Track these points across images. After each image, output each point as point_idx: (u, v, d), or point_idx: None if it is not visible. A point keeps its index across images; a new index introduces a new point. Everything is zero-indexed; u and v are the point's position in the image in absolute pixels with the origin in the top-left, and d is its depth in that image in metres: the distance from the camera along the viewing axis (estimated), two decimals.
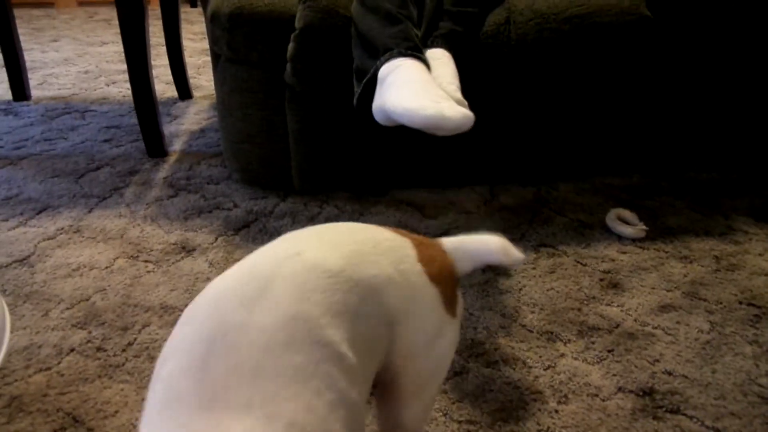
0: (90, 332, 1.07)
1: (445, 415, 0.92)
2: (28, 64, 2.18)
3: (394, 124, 1.12)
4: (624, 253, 1.33)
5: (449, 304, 0.64)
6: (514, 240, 1.36)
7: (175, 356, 0.47)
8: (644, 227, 1.37)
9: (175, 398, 0.44)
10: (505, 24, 1.34)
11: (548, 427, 0.90)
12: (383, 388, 0.65)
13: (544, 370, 1.01)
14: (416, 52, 1.16)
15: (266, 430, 0.42)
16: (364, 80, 1.20)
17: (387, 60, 1.15)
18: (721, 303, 1.17)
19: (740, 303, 1.17)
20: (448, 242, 0.70)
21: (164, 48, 2.15)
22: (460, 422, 0.91)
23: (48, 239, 1.34)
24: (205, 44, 2.90)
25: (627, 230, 1.37)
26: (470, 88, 1.22)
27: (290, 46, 1.32)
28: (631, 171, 1.67)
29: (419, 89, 1.07)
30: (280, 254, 0.55)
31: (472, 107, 1.12)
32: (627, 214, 1.41)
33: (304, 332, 0.48)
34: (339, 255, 0.56)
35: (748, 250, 1.35)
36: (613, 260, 1.30)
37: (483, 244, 0.71)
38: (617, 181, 1.63)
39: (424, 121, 1.02)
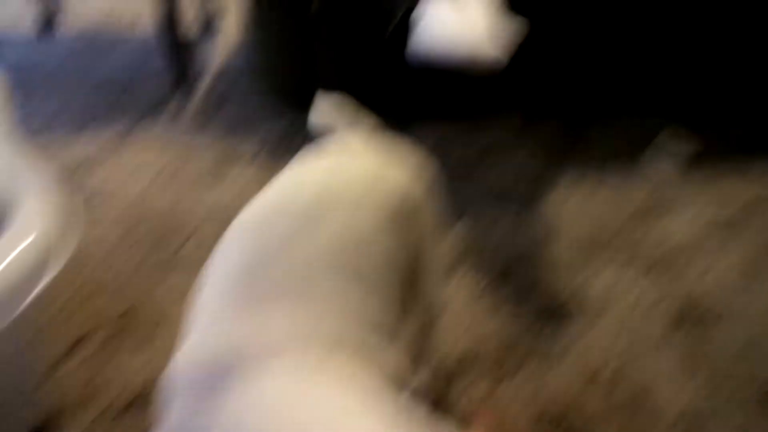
0: (150, 229, 1.15)
1: (471, 334, 0.94)
2: None
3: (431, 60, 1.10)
4: (663, 182, 1.26)
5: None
6: (549, 168, 1.30)
7: (225, 261, 0.51)
8: (696, 144, 1.31)
9: (227, 292, 0.48)
10: None
11: (582, 339, 0.91)
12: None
13: (580, 289, 1.00)
14: None
15: (309, 325, 0.44)
16: (398, 15, 1.16)
17: None
18: None
19: None
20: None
21: None
22: (491, 338, 0.92)
23: (89, 158, 1.37)
24: None
25: (678, 148, 1.31)
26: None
27: None
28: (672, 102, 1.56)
29: (453, 23, 1.05)
30: (322, 169, 0.59)
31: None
32: (679, 131, 1.34)
33: (353, 244, 0.50)
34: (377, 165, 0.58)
35: None
36: (651, 189, 1.23)
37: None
38: (670, 98, 1.53)
39: (459, 55, 1.01)
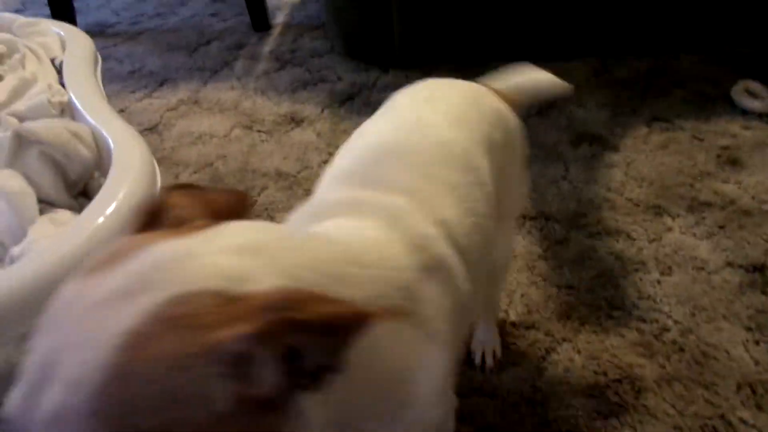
0: None
1: (545, 280, 0.96)
2: None
3: None
4: (748, 128, 1.24)
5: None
6: (625, 114, 1.30)
7: (350, 153, 0.56)
8: None
9: (347, 177, 0.53)
10: None
11: (648, 295, 0.92)
12: None
13: (649, 242, 1.00)
14: None
15: (419, 213, 0.48)
16: None
17: None
18: None
19: None
20: (501, 82, 0.75)
21: None
22: (559, 287, 0.95)
23: (171, 110, 1.45)
24: None
25: (755, 104, 1.27)
26: None
27: None
28: (764, 40, 1.50)
29: None
30: (423, 93, 0.64)
31: None
32: (756, 86, 1.30)
33: (460, 155, 0.55)
34: (457, 98, 0.63)
35: None
36: (734, 136, 1.22)
37: (530, 79, 0.81)
38: (748, 51, 1.48)
39: None
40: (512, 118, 0.67)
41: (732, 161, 1.16)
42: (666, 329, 0.87)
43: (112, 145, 0.75)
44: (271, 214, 1.13)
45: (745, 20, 1.45)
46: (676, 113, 1.29)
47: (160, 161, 1.28)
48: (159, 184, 0.74)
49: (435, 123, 0.57)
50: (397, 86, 1.46)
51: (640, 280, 0.94)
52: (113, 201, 0.65)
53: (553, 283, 0.95)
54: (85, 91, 0.88)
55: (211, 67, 1.61)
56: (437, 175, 0.52)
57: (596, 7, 1.40)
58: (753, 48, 1.48)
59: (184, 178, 1.24)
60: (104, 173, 0.74)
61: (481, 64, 1.50)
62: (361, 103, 1.41)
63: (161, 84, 1.55)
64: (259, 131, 1.35)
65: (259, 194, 1.18)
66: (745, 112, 1.28)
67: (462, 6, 1.41)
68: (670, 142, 1.22)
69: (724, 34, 1.47)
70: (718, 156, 1.17)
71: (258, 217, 1.13)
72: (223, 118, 1.41)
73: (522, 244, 1.02)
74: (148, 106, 1.47)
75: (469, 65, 1.50)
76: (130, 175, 0.68)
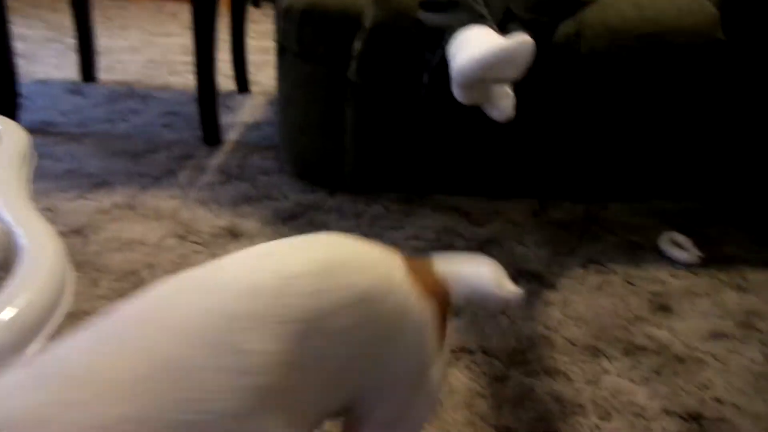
0: None
1: (483, 419, 0.90)
2: (98, 49, 2.27)
3: (474, 81, 1.17)
4: (676, 277, 1.28)
5: (438, 331, 0.57)
6: (562, 255, 1.33)
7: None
8: (699, 253, 1.33)
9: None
10: (576, 36, 1.33)
11: None
12: (350, 425, 0.58)
13: (587, 384, 0.98)
14: (479, 21, 1.20)
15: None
16: (433, 64, 1.25)
17: (453, 36, 1.19)
18: None
19: None
20: (442, 264, 0.63)
21: (226, 43, 2.20)
22: (497, 427, 0.89)
23: (103, 213, 1.39)
24: (264, 43, 2.96)
25: (681, 255, 1.33)
26: (533, 97, 1.21)
27: (357, 44, 1.33)
28: (688, 196, 1.63)
29: (483, 42, 1.13)
30: (242, 257, 0.51)
31: (533, 115, 1.12)
32: (681, 238, 1.37)
33: (220, 331, 0.43)
34: (306, 259, 0.50)
35: None
36: (663, 283, 1.26)
37: (476, 272, 0.63)
38: (672, 206, 1.59)
39: (494, 58, 1.08)
40: (410, 309, 0.54)
41: (663, 307, 1.18)
42: None
43: (23, 245, 0.68)
44: None
45: (669, 176, 1.58)
46: (609, 258, 1.33)
47: (80, 265, 1.20)
48: (69, 291, 0.67)
49: (223, 285, 0.47)
50: (342, 209, 1.48)
51: (579, 424, 0.90)
52: (7, 307, 0.58)
53: (491, 424, 0.89)
54: (8, 186, 0.82)
55: (154, 174, 1.58)
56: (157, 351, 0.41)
57: (535, 152, 1.49)
58: (676, 202, 1.59)
59: (105, 285, 1.15)
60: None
61: (425, 195, 1.55)
62: (304, 223, 1.40)
63: (97, 186, 1.50)
64: (194, 242, 1.30)
65: None
66: (672, 262, 1.34)
67: (411, 140, 1.47)
68: (604, 284, 1.24)
69: (651, 187, 1.59)
70: (650, 301, 1.20)
71: None
72: (157, 225, 1.35)
73: (460, 380, 0.97)
74: (78, 207, 1.40)
75: (413, 195, 1.54)
76: (34, 281, 0.62)
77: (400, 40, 1.31)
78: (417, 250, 1.32)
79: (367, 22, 1.31)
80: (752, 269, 1.33)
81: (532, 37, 1.14)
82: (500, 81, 1.18)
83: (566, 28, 1.34)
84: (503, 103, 1.21)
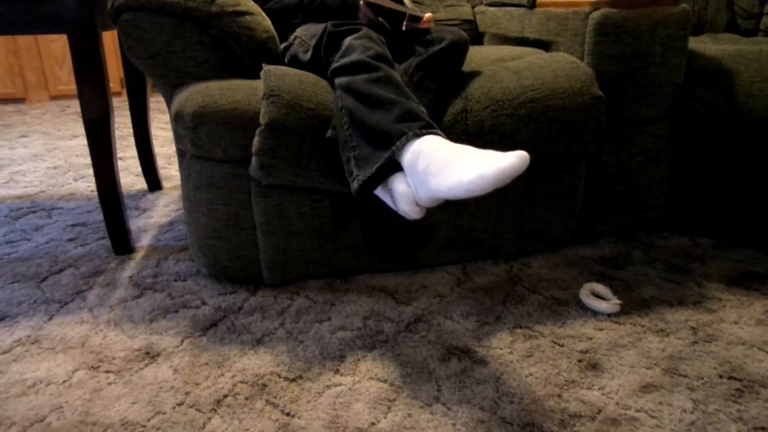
0: None
1: None
2: None
3: (443, 201, 1.11)
4: (600, 330, 1.30)
5: None
6: (489, 323, 1.33)
7: None
8: (618, 301, 1.36)
9: None
10: (462, 113, 1.37)
11: None
12: None
13: None
14: (432, 129, 1.14)
15: None
16: (378, 165, 1.16)
17: (404, 145, 1.12)
18: (702, 378, 1.15)
19: (720, 377, 1.15)
20: None
21: (134, 140, 2.15)
22: None
23: (3, 353, 1.28)
24: None
25: (601, 305, 1.36)
26: None
27: (255, 141, 1.32)
28: (601, 239, 1.68)
29: (462, 159, 1.04)
30: None
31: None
32: (600, 288, 1.41)
33: None
34: None
35: (722, 318, 1.34)
36: (590, 338, 1.28)
37: None
38: (589, 252, 1.64)
39: (492, 183, 0.99)
40: None
41: (592, 365, 1.19)
42: None
43: None
44: None
45: (582, 221, 1.63)
46: (535, 320, 1.34)
47: None
48: None
49: None
50: (264, 307, 1.44)
51: None
52: None
53: None
54: None
55: (61, 298, 1.48)
56: None
57: (450, 223, 1.51)
58: (593, 247, 1.64)
59: None
60: None
61: (348, 276, 1.53)
62: (225, 329, 1.34)
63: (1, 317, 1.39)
64: (107, 371, 1.21)
65: None
66: (595, 313, 1.36)
67: (324, 226, 1.45)
68: (533, 350, 1.24)
69: (564, 239, 1.63)
70: (579, 361, 1.21)
71: None
72: (65, 358, 1.26)
73: None
74: None
75: (337, 278, 1.52)
76: None
77: (297, 133, 1.31)
78: (344, 341, 1.28)
79: (262, 119, 1.31)
80: (670, 309, 1.37)
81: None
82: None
83: (453, 107, 1.38)
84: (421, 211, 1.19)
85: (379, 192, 1.23)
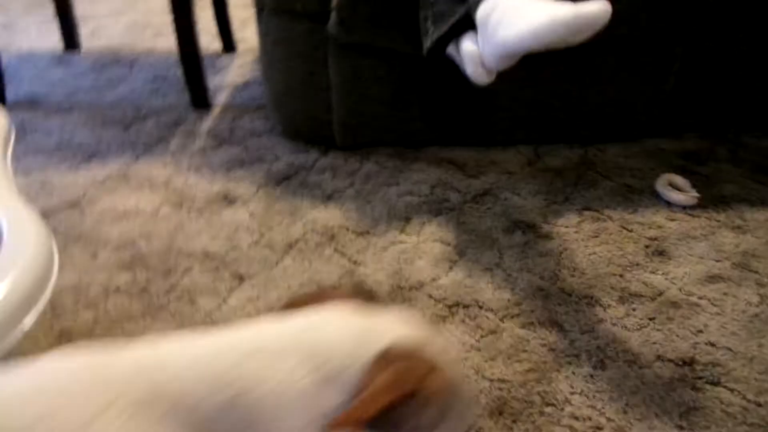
0: (135, 274, 1.11)
1: (477, 372, 0.92)
2: (78, 15, 2.21)
3: (516, 59, 1.04)
4: (673, 220, 1.27)
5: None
6: (557, 203, 1.32)
7: None
8: (696, 194, 1.31)
9: None
10: None
11: (581, 391, 0.89)
12: None
13: (581, 334, 0.99)
14: None
15: None
16: (452, 21, 1.10)
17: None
18: None
19: None
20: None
21: (210, 0, 2.14)
22: (491, 380, 0.91)
23: (97, 184, 1.38)
24: None
25: (678, 197, 1.32)
26: None
27: None
28: (686, 132, 1.59)
29: (537, 3, 0.97)
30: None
31: (519, 63, 1.07)
32: (679, 180, 1.35)
33: None
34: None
35: None
36: (660, 227, 1.25)
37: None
38: (670, 145, 1.56)
39: (565, 29, 0.92)
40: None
41: (660, 252, 1.18)
42: (599, 428, 0.83)
43: (4, 227, 0.69)
44: (193, 297, 1.06)
45: (669, 112, 1.54)
46: (605, 204, 1.32)
47: (78, 238, 1.21)
48: (55, 271, 0.67)
49: None
50: (335, 168, 1.47)
51: (573, 374, 0.92)
52: None
53: (486, 377, 0.91)
54: None
55: (145, 142, 1.57)
56: None
57: (528, 97, 1.46)
58: (675, 139, 1.56)
59: (103, 257, 1.16)
60: None
61: (419, 148, 1.53)
62: (297, 183, 1.39)
63: (90, 158, 1.49)
64: (188, 209, 1.30)
65: (182, 276, 1.11)
66: (669, 204, 1.32)
67: (400, 94, 1.44)
68: (600, 231, 1.24)
69: (648, 126, 1.55)
70: (647, 247, 1.20)
71: (179, 300, 1.06)
72: (152, 195, 1.35)
73: (454, 334, 0.98)
74: (72, 180, 1.40)
75: (406, 149, 1.52)
76: (18, 263, 0.62)
77: None
78: (410, 205, 1.31)
79: None
80: (750, 208, 1.32)
81: None
82: (562, 46, 0.99)
83: None
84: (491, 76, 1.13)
85: (453, 53, 1.19)
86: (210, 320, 1.01)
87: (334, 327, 0.54)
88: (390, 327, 0.56)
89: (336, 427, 0.49)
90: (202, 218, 1.27)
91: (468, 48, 1.11)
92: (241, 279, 1.11)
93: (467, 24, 1.11)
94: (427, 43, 1.17)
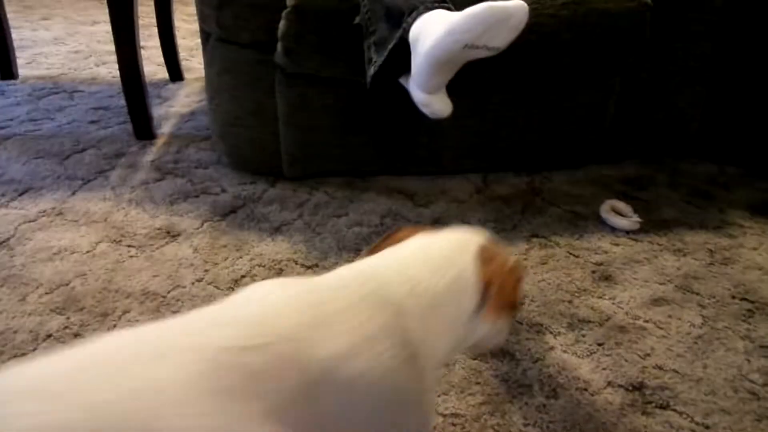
0: (68, 318, 1.05)
1: None
2: (16, 43, 2.12)
3: (446, 71, 1.06)
4: (617, 245, 1.30)
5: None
6: (506, 230, 1.33)
7: None
8: (638, 219, 1.35)
9: None
10: None
11: (535, 422, 0.88)
12: None
13: (533, 363, 0.98)
14: (445, 4, 1.07)
15: None
16: (390, 47, 1.11)
17: (414, 19, 1.07)
18: (714, 297, 1.15)
19: (733, 297, 1.16)
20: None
21: (157, 29, 2.10)
22: (445, 415, 0.89)
23: (29, 222, 1.31)
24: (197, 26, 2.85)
25: (621, 222, 1.35)
26: (465, 75, 1.18)
27: (281, 24, 1.28)
28: (626, 159, 1.65)
29: (457, 13, 0.99)
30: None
31: (467, 93, 1.08)
32: (621, 205, 1.39)
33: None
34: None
35: (742, 243, 1.33)
36: (606, 252, 1.28)
37: None
38: (612, 171, 1.61)
39: (480, 22, 0.94)
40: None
41: (606, 277, 1.20)
42: None
43: None
44: None
45: (610, 141, 1.59)
46: (552, 230, 1.34)
47: (6, 280, 1.13)
48: None
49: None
50: (283, 199, 1.44)
51: (526, 404, 0.91)
52: None
53: (439, 412, 0.89)
54: None
55: (84, 176, 1.50)
56: None
57: (477, 126, 1.48)
58: (615, 165, 1.61)
59: (33, 299, 1.09)
60: None
61: (368, 177, 1.52)
62: (244, 216, 1.36)
63: (22, 193, 1.41)
64: (128, 246, 1.24)
65: (119, 318, 1.05)
66: (614, 229, 1.35)
67: (347, 122, 1.43)
68: (548, 258, 1.25)
69: (590, 155, 1.60)
70: (593, 272, 1.21)
71: None
72: (89, 231, 1.29)
73: None
74: (1, 217, 1.32)
75: (356, 178, 1.51)
76: None
77: (326, 17, 1.26)
78: (360, 236, 1.29)
79: (289, 0, 1.26)
80: (689, 231, 1.36)
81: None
82: (484, 52, 1.02)
83: None
84: (442, 105, 1.16)
85: (407, 86, 1.19)
86: None
87: (438, 244, 0.68)
88: (464, 236, 0.71)
89: (501, 311, 0.65)
90: (142, 255, 1.21)
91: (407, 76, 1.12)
92: None
93: (406, 49, 1.11)
94: (371, 71, 1.17)
